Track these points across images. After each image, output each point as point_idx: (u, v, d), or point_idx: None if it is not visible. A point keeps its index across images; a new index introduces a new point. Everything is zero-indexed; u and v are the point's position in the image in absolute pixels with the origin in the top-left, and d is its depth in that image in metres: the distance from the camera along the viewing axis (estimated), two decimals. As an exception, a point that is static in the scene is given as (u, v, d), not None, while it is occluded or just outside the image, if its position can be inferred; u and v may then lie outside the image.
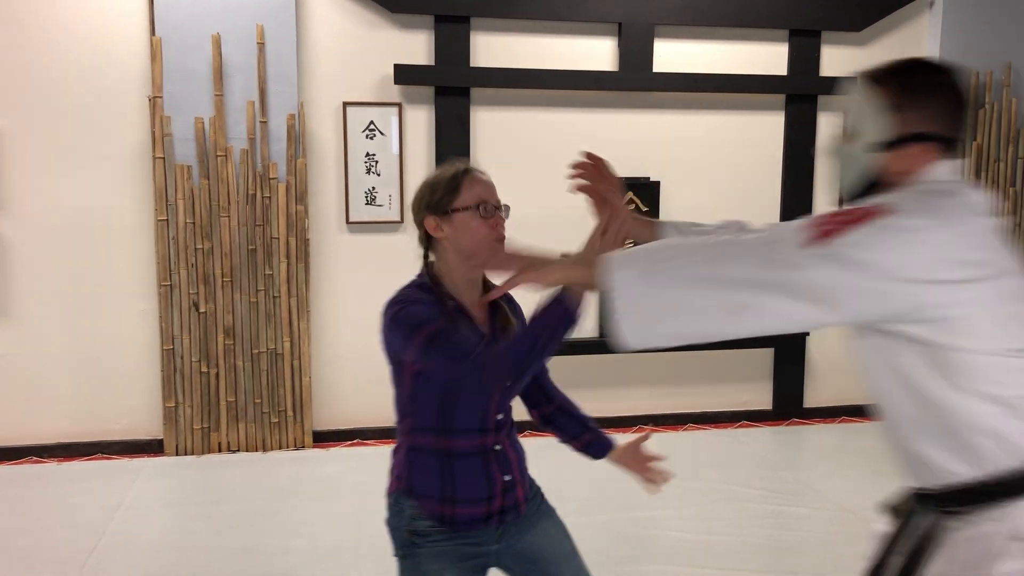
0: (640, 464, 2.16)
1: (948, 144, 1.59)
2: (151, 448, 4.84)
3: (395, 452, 2.02)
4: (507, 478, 1.95)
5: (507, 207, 1.94)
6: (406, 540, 1.93)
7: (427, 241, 1.95)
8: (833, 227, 1.41)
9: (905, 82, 1.59)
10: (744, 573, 3.47)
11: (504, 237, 1.91)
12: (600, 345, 5.20)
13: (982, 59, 5.42)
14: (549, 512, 2.09)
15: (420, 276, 1.96)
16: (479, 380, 1.80)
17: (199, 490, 4.34)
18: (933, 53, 5.40)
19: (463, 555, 1.92)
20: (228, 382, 4.79)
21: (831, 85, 5.28)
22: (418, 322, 1.80)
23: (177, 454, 4.78)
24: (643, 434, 2.19)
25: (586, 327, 5.22)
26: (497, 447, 1.95)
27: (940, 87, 1.59)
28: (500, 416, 1.95)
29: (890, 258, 1.38)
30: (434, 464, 1.91)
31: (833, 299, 1.39)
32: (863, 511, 4.08)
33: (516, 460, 2.00)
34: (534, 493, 2.07)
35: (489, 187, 1.92)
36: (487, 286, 1.98)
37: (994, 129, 5.47)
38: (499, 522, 1.95)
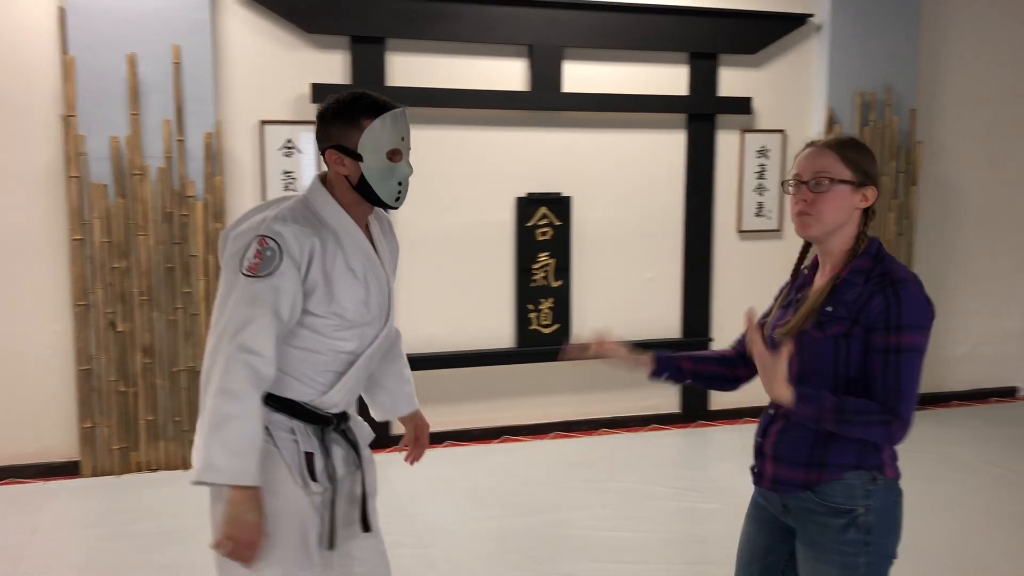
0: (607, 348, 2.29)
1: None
2: (66, 470, 4.77)
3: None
4: (758, 439, 2.21)
5: (816, 181, 1.94)
6: None
7: None
8: None
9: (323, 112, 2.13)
10: (657, 565, 3.68)
11: (802, 211, 1.97)
12: (515, 355, 5.38)
13: (866, 80, 5.83)
14: (813, 539, 2.08)
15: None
16: None
17: (120, 510, 4.31)
18: (821, 74, 5.78)
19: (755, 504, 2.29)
20: (147, 401, 4.77)
21: (728, 104, 5.61)
22: None
23: (95, 475, 4.73)
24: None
25: (503, 338, 5.40)
26: (771, 410, 2.17)
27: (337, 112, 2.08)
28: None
29: None
30: None
31: None
32: (766, 504, 4.36)
33: (776, 433, 2.16)
34: (797, 487, 2.10)
35: (801, 161, 2.00)
36: None
37: (877, 145, 5.88)
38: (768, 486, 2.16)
